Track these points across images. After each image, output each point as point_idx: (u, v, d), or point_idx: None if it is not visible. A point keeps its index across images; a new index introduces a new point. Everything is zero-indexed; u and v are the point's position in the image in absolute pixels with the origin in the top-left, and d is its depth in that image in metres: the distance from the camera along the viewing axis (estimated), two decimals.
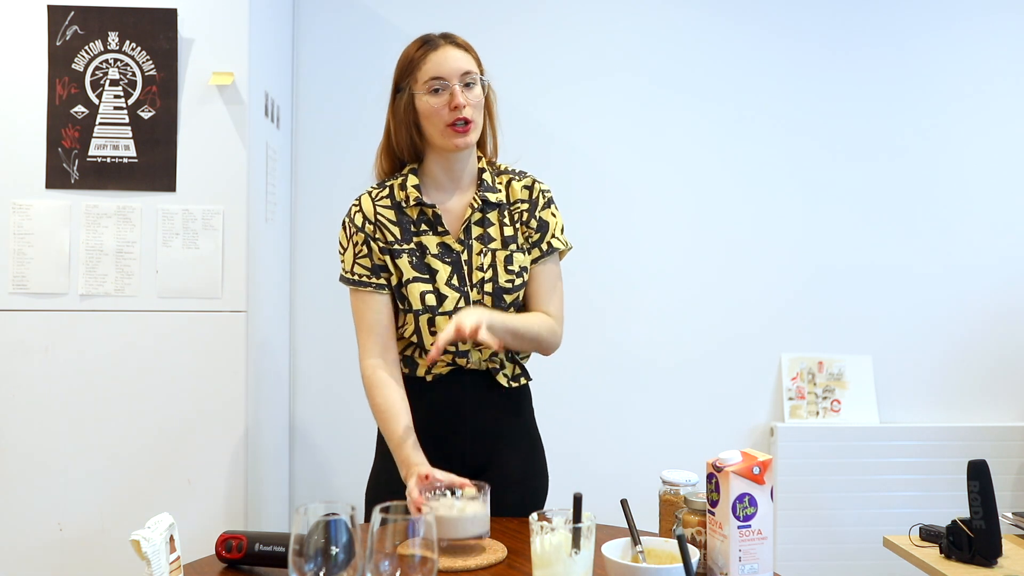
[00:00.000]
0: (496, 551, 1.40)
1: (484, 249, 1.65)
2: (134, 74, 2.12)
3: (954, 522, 1.61)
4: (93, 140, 2.12)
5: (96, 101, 2.12)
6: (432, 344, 1.62)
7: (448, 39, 1.64)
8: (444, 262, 1.63)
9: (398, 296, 1.64)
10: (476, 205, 1.65)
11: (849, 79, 2.92)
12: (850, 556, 2.82)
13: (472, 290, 1.62)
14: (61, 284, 2.13)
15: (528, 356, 1.74)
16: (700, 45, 2.89)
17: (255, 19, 2.21)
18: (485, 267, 1.63)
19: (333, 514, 0.97)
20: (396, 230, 1.64)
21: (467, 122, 1.60)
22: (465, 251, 1.64)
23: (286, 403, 2.76)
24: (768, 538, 1.23)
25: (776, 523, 2.68)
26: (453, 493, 1.40)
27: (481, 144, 1.71)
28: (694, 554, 1.17)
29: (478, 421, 1.66)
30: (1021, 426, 2.91)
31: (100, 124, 2.12)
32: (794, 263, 2.92)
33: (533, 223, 1.69)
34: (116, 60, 2.12)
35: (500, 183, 1.70)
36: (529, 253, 1.68)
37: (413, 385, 1.66)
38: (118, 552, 2.10)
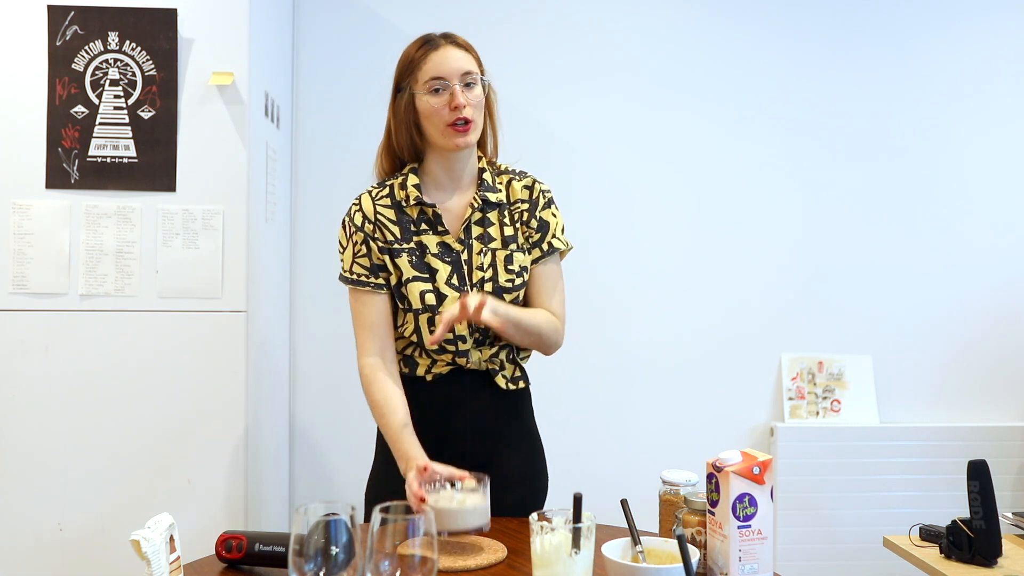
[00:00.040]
0: (496, 551, 1.40)
1: (484, 249, 1.65)
2: (134, 74, 2.12)
3: (954, 522, 1.61)
4: (93, 140, 2.12)
5: (96, 101, 2.12)
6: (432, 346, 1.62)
7: (449, 39, 1.64)
8: (444, 261, 1.63)
9: (397, 296, 1.64)
10: (476, 205, 1.65)
11: (849, 79, 2.92)
12: (850, 556, 2.82)
13: (472, 289, 1.62)
14: (61, 284, 2.13)
15: (528, 357, 1.74)
16: (700, 45, 2.89)
17: (255, 19, 2.21)
18: (485, 267, 1.64)
19: (333, 514, 0.97)
20: (396, 229, 1.64)
21: (467, 122, 1.60)
22: (465, 251, 1.64)
23: (286, 403, 2.76)
24: (768, 538, 1.23)
25: (776, 523, 2.68)
26: (453, 485, 1.40)
27: (482, 144, 1.71)
28: (694, 554, 1.17)
29: (478, 421, 1.66)
30: (1021, 426, 2.91)
31: (100, 124, 2.12)
32: (794, 263, 2.92)
33: (533, 223, 1.69)
34: (116, 60, 2.12)
35: (500, 183, 1.70)
36: (529, 253, 1.68)
37: (413, 385, 1.66)
38: (118, 552, 2.10)
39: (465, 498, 1.38)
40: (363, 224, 1.65)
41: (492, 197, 1.67)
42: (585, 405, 2.87)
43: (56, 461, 2.12)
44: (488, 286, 1.63)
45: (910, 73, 2.94)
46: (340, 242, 1.68)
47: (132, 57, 2.12)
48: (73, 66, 2.11)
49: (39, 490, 2.12)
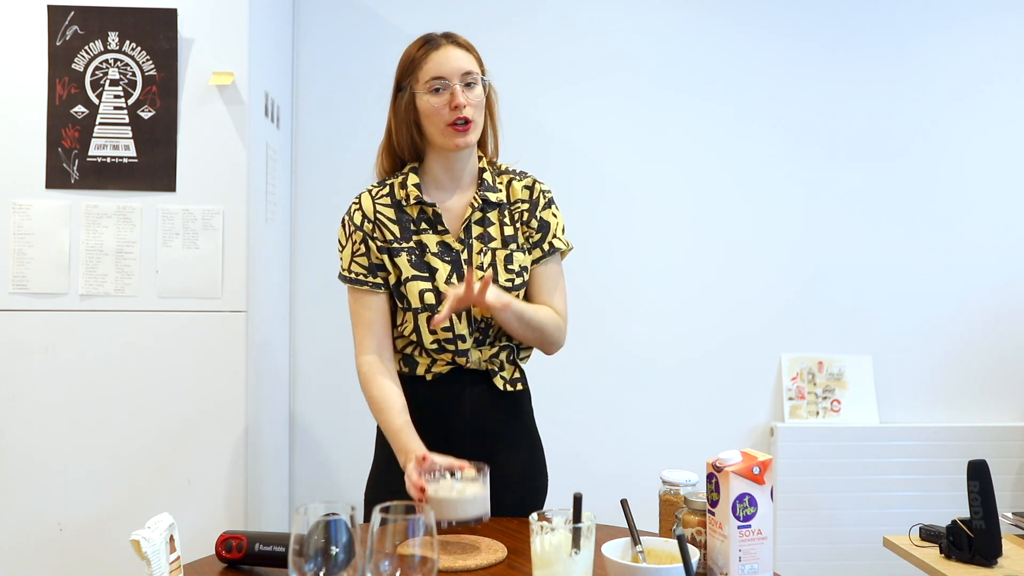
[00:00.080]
0: (496, 551, 1.40)
1: (484, 248, 1.65)
2: (134, 74, 2.12)
3: (954, 522, 1.61)
4: (93, 140, 2.12)
5: (96, 101, 2.12)
6: (433, 341, 1.62)
7: (450, 39, 1.64)
8: (444, 261, 1.63)
9: (396, 295, 1.64)
10: (476, 204, 1.65)
11: (849, 79, 2.92)
12: (850, 556, 2.82)
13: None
14: (61, 284, 2.13)
15: (527, 358, 1.74)
16: (700, 45, 2.89)
17: (255, 19, 2.21)
18: (485, 266, 1.64)
19: (333, 514, 0.97)
20: (395, 228, 1.64)
21: (467, 122, 1.60)
22: (465, 250, 1.64)
23: (286, 403, 2.76)
24: (768, 538, 1.23)
25: (776, 523, 2.68)
26: (452, 475, 1.40)
27: (482, 144, 1.71)
28: (694, 554, 1.17)
29: (478, 421, 1.66)
30: (1021, 426, 2.91)
31: (100, 124, 2.12)
32: (794, 263, 2.92)
33: (534, 223, 1.69)
34: (116, 60, 2.12)
35: (501, 183, 1.70)
36: (530, 253, 1.68)
37: (413, 384, 1.66)
38: (118, 552, 2.10)
39: (465, 487, 1.38)
40: (362, 223, 1.65)
41: (492, 197, 1.67)
42: (585, 405, 2.87)
43: (56, 461, 2.12)
44: None
45: (910, 73, 2.94)
46: (339, 241, 1.69)
47: (132, 57, 2.12)
48: (73, 66, 2.11)
49: (39, 490, 2.12)
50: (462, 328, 1.61)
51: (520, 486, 1.68)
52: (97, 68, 2.11)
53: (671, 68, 2.89)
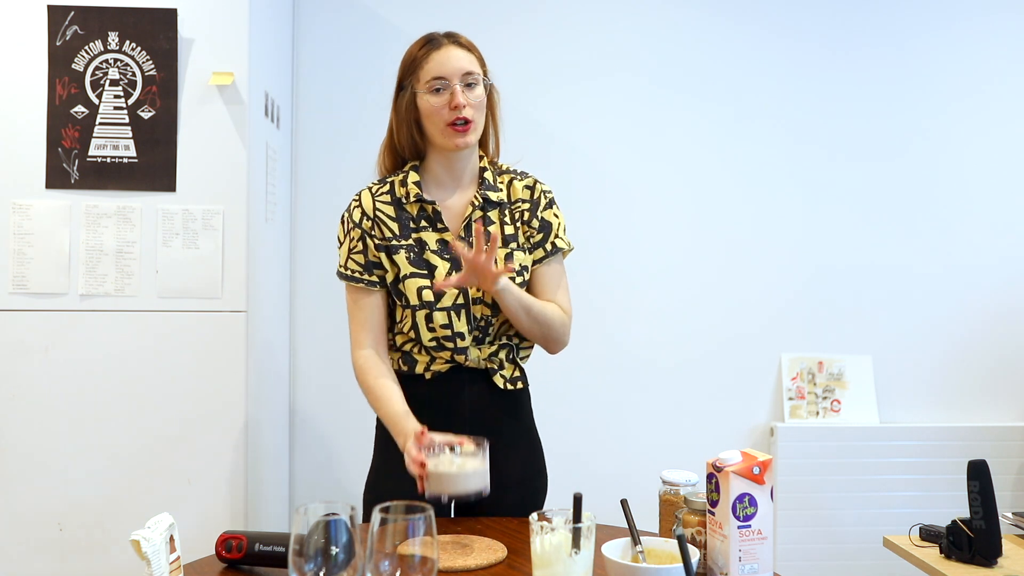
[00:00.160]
0: (496, 551, 1.40)
1: (484, 247, 1.64)
2: (134, 74, 2.12)
3: (954, 522, 1.61)
4: (93, 140, 2.12)
5: (96, 101, 2.12)
6: (431, 339, 1.62)
7: (451, 38, 1.64)
8: (443, 258, 1.63)
9: (395, 292, 1.64)
10: (477, 203, 1.65)
11: (849, 79, 2.92)
12: (850, 556, 2.82)
13: (471, 287, 1.62)
14: (61, 284, 2.13)
15: (527, 357, 1.74)
16: (700, 45, 2.89)
17: (255, 19, 2.21)
18: None
19: (333, 514, 0.97)
20: (395, 226, 1.64)
21: (467, 122, 1.60)
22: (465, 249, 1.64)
23: (286, 403, 2.76)
24: (768, 538, 1.23)
25: (776, 523, 2.68)
26: (452, 450, 1.40)
27: (483, 144, 1.72)
28: (694, 554, 1.17)
29: (477, 420, 1.66)
30: (1021, 426, 2.91)
31: (100, 124, 2.12)
32: (794, 263, 2.92)
33: (535, 223, 1.69)
34: (116, 60, 2.12)
35: (502, 182, 1.70)
36: (531, 253, 1.69)
37: (412, 382, 1.66)
38: (118, 552, 2.10)
39: (464, 462, 1.38)
40: (361, 220, 1.65)
41: (493, 196, 1.67)
42: (585, 405, 2.87)
43: (56, 461, 2.12)
44: None
45: (910, 73, 2.94)
46: (338, 237, 1.69)
47: (132, 57, 2.12)
48: (73, 66, 2.11)
49: (39, 490, 2.12)
50: (461, 325, 1.61)
51: (520, 486, 1.68)
52: (97, 68, 2.11)
53: (671, 68, 2.89)
